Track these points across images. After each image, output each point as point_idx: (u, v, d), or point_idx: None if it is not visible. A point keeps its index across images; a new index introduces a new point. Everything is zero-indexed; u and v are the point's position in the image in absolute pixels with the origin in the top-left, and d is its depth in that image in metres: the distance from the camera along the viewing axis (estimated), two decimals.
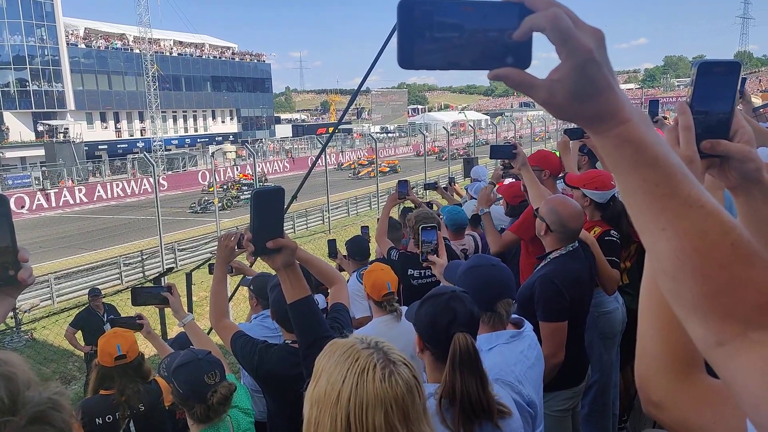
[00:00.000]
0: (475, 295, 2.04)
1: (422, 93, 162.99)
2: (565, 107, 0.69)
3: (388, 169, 39.40)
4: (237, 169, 40.91)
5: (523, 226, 3.98)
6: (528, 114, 75.75)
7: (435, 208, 6.35)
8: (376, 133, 61.65)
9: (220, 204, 25.16)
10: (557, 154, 4.74)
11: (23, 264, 1.25)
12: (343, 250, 5.12)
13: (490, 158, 3.82)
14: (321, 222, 25.43)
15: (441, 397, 1.77)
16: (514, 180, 4.85)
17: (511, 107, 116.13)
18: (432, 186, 7.82)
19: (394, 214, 6.40)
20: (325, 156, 26.08)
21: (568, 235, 3.05)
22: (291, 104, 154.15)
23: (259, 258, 2.03)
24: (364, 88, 6.35)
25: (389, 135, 70.20)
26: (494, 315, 2.28)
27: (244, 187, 31.97)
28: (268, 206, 1.91)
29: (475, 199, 4.74)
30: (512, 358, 2.19)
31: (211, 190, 30.86)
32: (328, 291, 2.96)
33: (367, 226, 6.12)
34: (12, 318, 12.68)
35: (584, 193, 3.76)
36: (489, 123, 69.24)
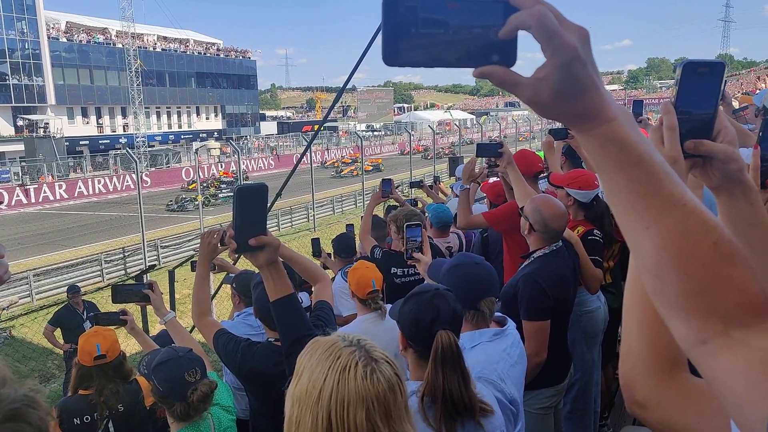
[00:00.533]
0: (459, 293, 2.05)
1: (408, 92, 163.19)
2: (550, 105, 0.68)
3: (372, 167, 39.31)
4: (221, 166, 40.63)
5: (496, 217, 4.00)
6: (513, 114, 76.17)
7: (420, 205, 6.36)
8: (362, 131, 61.55)
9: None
10: (541, 155, 4.76)
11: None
12: (327, 248, 5.10)
13: (477, 156, 3.83)
14: (306, 220, 25.36)
15: (423, 394, 1.77)
16: (497, 179, 4.86)
17: (497, 107, 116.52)
18: (418, 184, 7.83)
19: (380, 212, 6.40)
20: (311, 154, 26.01)
21: (551, 235, 3.07)
22: (276, 101, 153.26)
23: (242, 255, 2.01)
24: (350, 86, 6.33)
25: (375, 133, 70.13)
26: (477, 313, 2.29)
27: (223, 185, 31.72)
28: (251, 203, 1.90)
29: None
30: (495, 356, 2.20)
31: (191, 187, 30.57)
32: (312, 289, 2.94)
33: (353, 224, 6.10)
34: None
35: (568, 192, 3.79)
36: (474, 122, 69.42)
